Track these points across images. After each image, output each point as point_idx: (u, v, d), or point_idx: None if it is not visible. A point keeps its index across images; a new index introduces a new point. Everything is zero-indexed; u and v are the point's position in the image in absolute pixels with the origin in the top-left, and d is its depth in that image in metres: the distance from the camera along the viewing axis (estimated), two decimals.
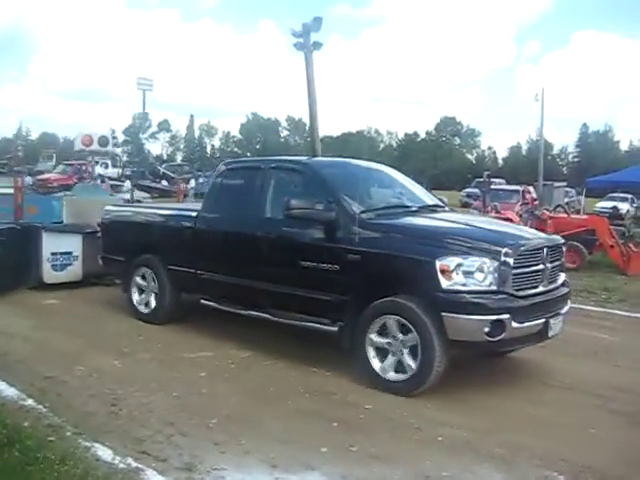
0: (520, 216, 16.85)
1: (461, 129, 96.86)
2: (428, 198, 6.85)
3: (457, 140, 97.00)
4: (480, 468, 4.01)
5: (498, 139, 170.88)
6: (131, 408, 4.79)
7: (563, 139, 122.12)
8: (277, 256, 6.18)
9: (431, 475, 3.89)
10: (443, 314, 4.97)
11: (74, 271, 9.22)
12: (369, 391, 5.30)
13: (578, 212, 22.07)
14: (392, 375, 5.29)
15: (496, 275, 5.00)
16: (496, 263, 5.00)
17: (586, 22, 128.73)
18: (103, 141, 13.01)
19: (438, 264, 5.01)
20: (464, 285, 4.98)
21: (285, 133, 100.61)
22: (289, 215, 5.78)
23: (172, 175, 37.48)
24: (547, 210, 16.05)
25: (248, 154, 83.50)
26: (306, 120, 54.16)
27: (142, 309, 7.57)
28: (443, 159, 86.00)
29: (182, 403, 4.94)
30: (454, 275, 4.97)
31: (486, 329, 4.90)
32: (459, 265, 4.99)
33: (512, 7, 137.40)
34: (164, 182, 36.03)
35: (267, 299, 6.29)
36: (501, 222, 7.36)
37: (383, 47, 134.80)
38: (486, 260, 5.01)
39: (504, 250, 5.05)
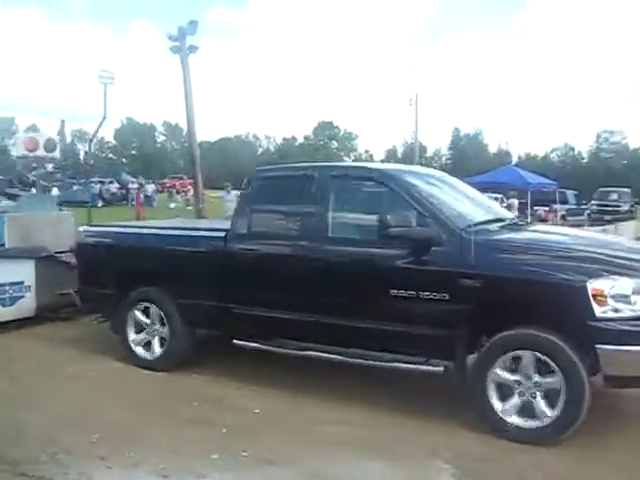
0: None
1: (338, 133, 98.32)
2: (499, 209, 6.14)
3: (334, 144, 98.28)
4: (368, 463, 4.14)
5: (375, 142, 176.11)
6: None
7: (437, 142, 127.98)
8: (352, 284, 5.12)
9: (321, 473, 3.99)
10: (599, 347, 4.24)
11: (26, 305, 7.58)
12: (256, 394, 5.32)
13: None
14: (517, 420, 4.50)
15: None
16: None
17: (459, 25, 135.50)
18: (50, 145, 11.00)
19: (590, 288, 4.26)
20: (617, 311, 4.26)
21: (162, 138, 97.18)
22: (387, 234, 4.79)
23: (44, 183, 35.28)
24: None
25: (124, 160, 79.53)
26: (183, 125, 52.14)
27: (143, 354, 6.19)
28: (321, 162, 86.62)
29: (62, 418, 4.77)
30: (609, 300, 4.26)
31: None
32: (613, 288, 4.28)
33: (393, 12, 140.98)
34: (33, 190, 33.81)
35: (338, 337, 5.22)
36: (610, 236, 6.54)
37: (260, 50, 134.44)
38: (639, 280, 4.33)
39: None
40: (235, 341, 5.71)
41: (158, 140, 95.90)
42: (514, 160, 76.19)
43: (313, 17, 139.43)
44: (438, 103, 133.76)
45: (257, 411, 4.99)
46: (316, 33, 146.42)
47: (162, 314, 6.03)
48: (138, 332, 6.23)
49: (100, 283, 6.48)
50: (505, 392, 4.55)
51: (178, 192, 40.43)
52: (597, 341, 4.22)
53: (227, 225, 5.97)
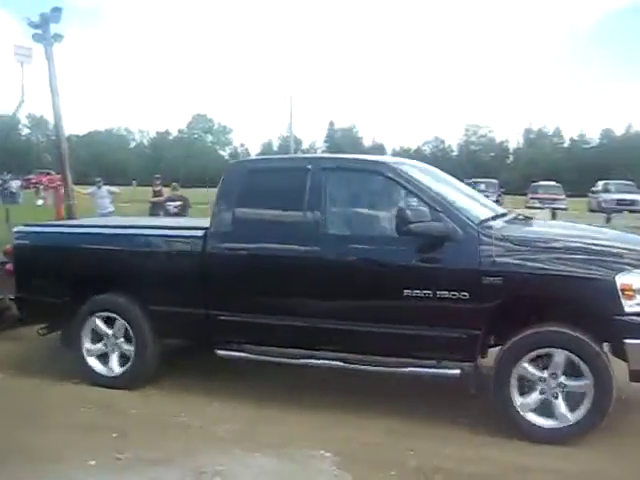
0: None
1: (213, 126, 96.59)
2: (492, 203, 6.09)
3: (209, 137, 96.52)
4: (253, 458, 4.17)
5: (250, 136, 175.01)
6: None
7: (313, 136, 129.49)
8: (359, 285, 4.80)
9: (207, 470, 3.96)
10: (627, 341, 4.23)
11: None
12: (132, 396, 5.24)
13: None
14: (535, 418, 4.42)
15: None
16: None
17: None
18: None
19: (619, 282, 4.24)
20: None
21: (26, 132, 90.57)
22: (408, 231, 4.51)
23: None
24: None
25: None
26: (49, 117, 49.25)
27: (103, 371, 5.53)
28: (196, 156, 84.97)
29: None
30: (636, 294, 4.25)
31: None
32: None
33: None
34: None
35: (342, 342, 4.88)
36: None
37: (132, 40, 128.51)
38: None
39: None
40: (219, 352, 5.22)
41: (22, 133, 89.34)
42: (388, 153, 78.59)
43: (188, 8, 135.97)
44: (314, 97, 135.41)
45: (134, 411, 4.95)
46: (191, 24, 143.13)
47: (128, 325, 5.39)
48: (95, 344, 5.56)
49: (44, 290, 5.72)
50: (528, 387, 4.45)
51: (46, 188, 37.92)
52: (626, 336, 4.20)
53: (197, 223, 5.45)
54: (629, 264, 4.33)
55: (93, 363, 5.55)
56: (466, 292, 4.45)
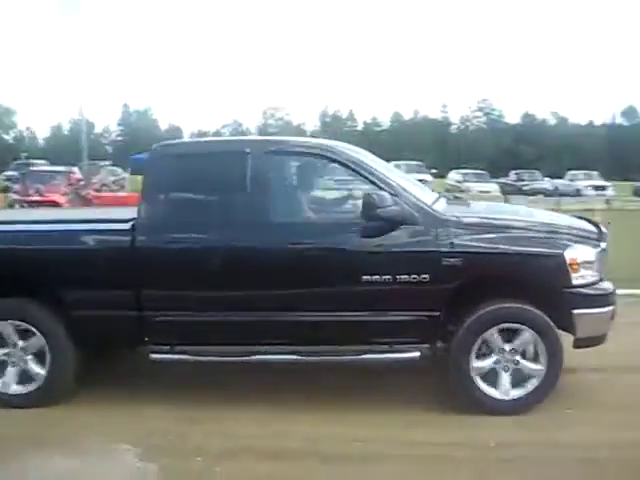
0: (67, 197, 17.59)
1: None
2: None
3: None
4: (39, 454, 4.13)
5: (37, 119, 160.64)
6: None
7: (107, 119, 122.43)
8: (312, 273, 4.61)
9: None
10: (575, 311, 4.58)
11: None
12: None
13: (123, 188, 24.95)
14: (481, 383, 4.56)
15: (599, 264, 4.77)
16: (599, 251, 4.77)
17: None
18: None
19: (567, 257, 4.55)
20: (584, 278, 4.61)
21: None
22: (376, 216, 4.39)
23: None
24: (94, 190, 17.39)
25: None
26: None
27: (11, 388, 4.76)
28: None
29: None
30: (580, 268, 4.61)
31: (610, 320, 4.73)
32: (582, 256, 4.62)
33: None
34: None
35: (295, 334, 4.67)
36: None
37: None
38: (594, 250, 4.73)
39: (602, 238, 4.88)
40: (154, 356, 4.72)
41: None
42: (185, 136, 77.11)
43: None
44: (107, 78, 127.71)
45: None
46: None
47: (41, 333, 4.69)
48: None
49: None
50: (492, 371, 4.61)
51: None
52: (574, 307, 4.53)
53: (119, 214, 4.88)
54: (570, 240, 4.65)
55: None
56: (426, 274, 4.46)
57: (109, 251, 4.69)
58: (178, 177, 4.77)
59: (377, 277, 4.50)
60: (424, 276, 4.47)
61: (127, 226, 4.65)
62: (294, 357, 4.67)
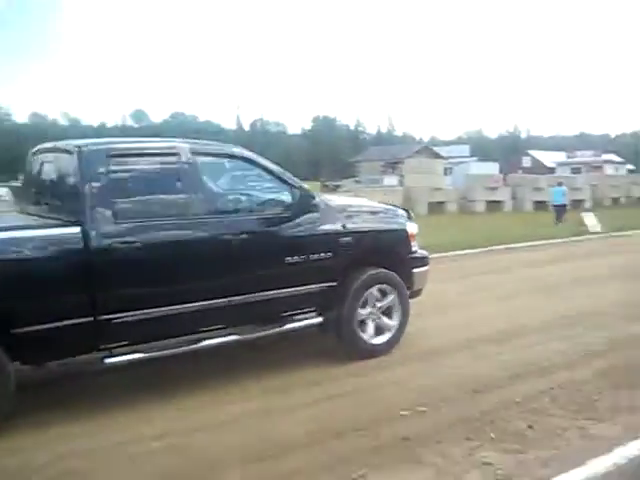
0: None
1: None
2: None
3: None
4: None
5: None
6: None
7: None
8: (247, 261, 5.15)
9: None
10: (414, 271, 6.26)
11: None
12: None
13: None
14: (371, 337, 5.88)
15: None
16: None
17: None
18: None
19: (409, 230, 6.26)
20: (414, 246, 6.33)
21: None
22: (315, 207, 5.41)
23: None
24: None
25: None
26: None
27: None
28: None
29: None
30: (413, 239, 6.34)
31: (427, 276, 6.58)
32: (414, 229, 6.38)
33: None
34: None
35: (229, 317, 5.12)
36: None
37: None
38: (416, 225, 6.49)
39: (412, 218, 6.57)
40: (109, 360, 4.56)
41: None
42: None
43: None
44: None
45: None
46: None
47: None
48: None
49: None
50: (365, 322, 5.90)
51: None
52: (413, 267, 6.28)
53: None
54: (404, 218, 6.38)
55: None
56: (330, 252, 5.58)
57: (58, 258, 4.39)
58: (121, 177, 4.77)
59: (297, 258, 5.39)
60: (329, 253, 5.58)
61: (75, 230, 4.40)
62: (235, 337, 5.17)
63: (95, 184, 4.55)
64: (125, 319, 4.53)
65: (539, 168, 60.11)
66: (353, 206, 6.13)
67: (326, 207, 5.64)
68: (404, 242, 6.25)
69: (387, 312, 6.04)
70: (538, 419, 4.47)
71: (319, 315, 5.66)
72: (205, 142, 5.49)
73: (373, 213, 6.23)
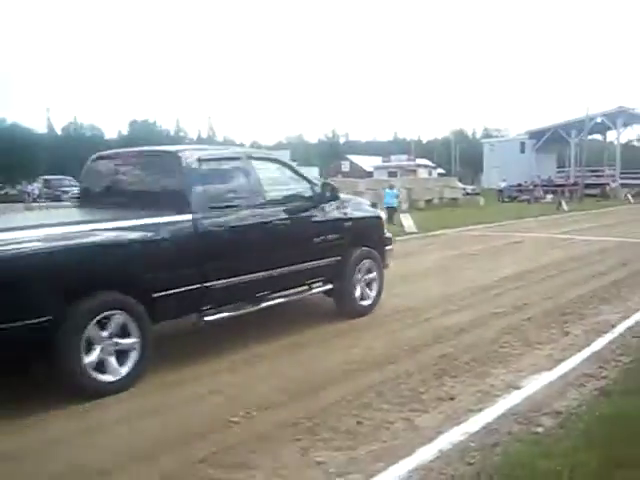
0: None
1: None
2: None
3: None
4: None
5: None
6: None
7: None
8: (291, 240, 6.65)
9: None
10: (386, 248, 8.08)
11: None
12: None
13: None
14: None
15: None
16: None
17: None
18: None
19: (383, 218, 8.11)
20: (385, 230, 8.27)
21: None
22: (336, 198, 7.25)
23: None
24: None
25: None
26: None
27: (101, 377, 4.99)
28: None
29: None
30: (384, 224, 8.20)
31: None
32: (383, 217, 8.27)
33: None
34: None
35: (280, 283, 6.58)
36: None
37: None
38: (384, 213, 8.46)
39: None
40: (207, 318, 5.87)
41: None
42: None
43: None
44: None
45: None
46: None
47: (137, 323, 5.22)
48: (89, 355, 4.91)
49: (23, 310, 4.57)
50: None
51: None
52: (386, 245, 8.10)
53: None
54: (375, 207, 8.25)
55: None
56: (338, 234, 7.24)
57: (177, 240, 5.65)
58: (211, 174, 6.18)
59: (322, 238, 7.05)
60: (340, 235, 7.25)
61: (188, 217, 5.71)
62: (282, 300, 6.69)
63: (197, 182, 5.87)
64: (217, 286, 5.81)
65: (358, 172, 64.93)
66: (347, 198, 7.81)
67: (337, 200, 7.31)
68: (381, 226, 8.11)
69: (369, 282, 7.73)
70: None
71: (329, 282, 7.23)
72: (256, 150, 6.88)
73: (359, 203, 8.01)
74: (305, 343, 6.46)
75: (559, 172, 55.75)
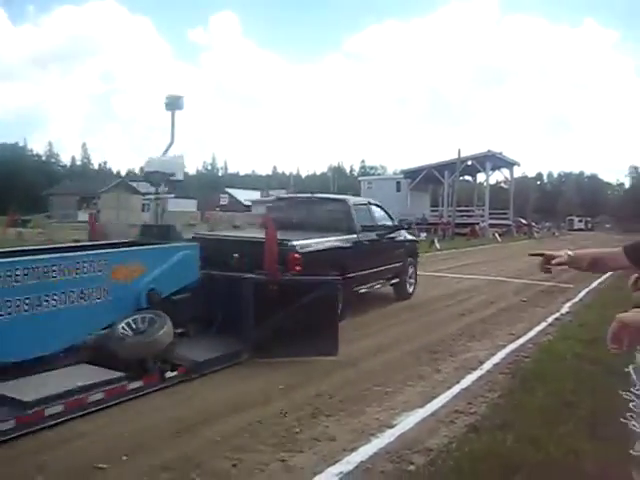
0: None
1: None
2: None
3: None
4: None
5: None
6: None
7: None
8: (387, 251, 11.51)
9: None
10: (408, 260, 12.70)
11: None
12: None
13: None
14: None
15: None
16: None
17: None
18: None
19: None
20: None
21: None
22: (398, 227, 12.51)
23: None
24: None
25: None
26: None
27: None
28: None
29: None
30: None
31: None
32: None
33: None
34: None
35: (382, 276, 11.33)
36: None
37: None
38: None
39: None
40: (359, 290, 10.23)
41: None
42: None
43: None
44: None
45: None
46: None
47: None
48: None
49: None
50: None
51: None
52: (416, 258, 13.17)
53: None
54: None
55: None
56: (402, 249, 12.21)
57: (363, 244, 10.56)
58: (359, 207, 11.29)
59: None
60: (403, 249, 12.31)
61: (353, 236, 10.25)
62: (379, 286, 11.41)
63: (356, 216, 10.52)
64: (357, 274, 9.83)
65: (236, 205, 64.84)
66: (399, 227, 12.55)
67: (401, 229, 12.47)
68: (417, 246, 13.77)
69: (411, 277, 12.70)
70: None
71: (396, 277, 11.93)
72: (361, 198, 14.34)
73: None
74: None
75: (433, 211, 58.29)
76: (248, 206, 63.27)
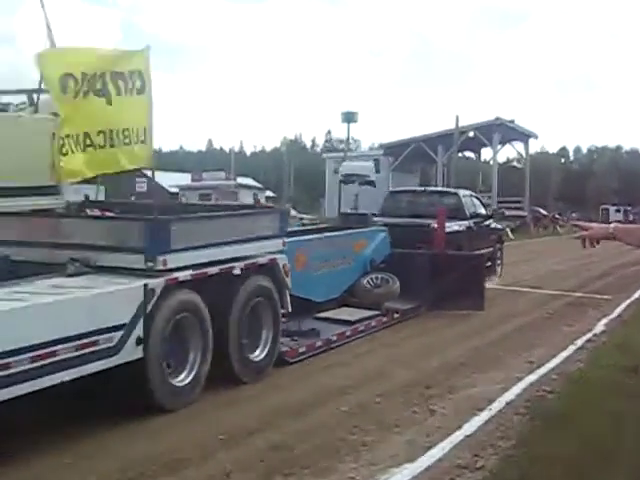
0: None
1: None
2: None
3: None
4: None
5: None
6: None
7: None
8: (484, 235, 16.75)
9: None
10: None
11: None
12: None
13: None
14: None
15: None
16: None
17: None
18: None
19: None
20: None
21: None
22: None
23: None
24: None
25: None
26: None
27: None
28: None
29: None
30: None
31: None
32: None
33: None
34: None
35: None
36: None
37: None
38: None
39: None
40: None
41: None
42: None
43: None
44: None
45: None
46: None
47: None
48: None
49: None
50: None
51: None
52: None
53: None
54: None
55: None
56: (494, 235, 18.06)
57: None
58: None
59: None
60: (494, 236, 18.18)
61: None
62: None
63: (466, 204, 16.40)
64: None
65: (158, 192, 63.80)
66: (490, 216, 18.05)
67: (492, 218, 18.01)
68: (504, 233, 20.45)
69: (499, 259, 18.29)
70: None
71: (490, 261, 15.86)
72: (466, 190, 19.07)
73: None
74: None
75: None
76: (174, 193, 62.39)
